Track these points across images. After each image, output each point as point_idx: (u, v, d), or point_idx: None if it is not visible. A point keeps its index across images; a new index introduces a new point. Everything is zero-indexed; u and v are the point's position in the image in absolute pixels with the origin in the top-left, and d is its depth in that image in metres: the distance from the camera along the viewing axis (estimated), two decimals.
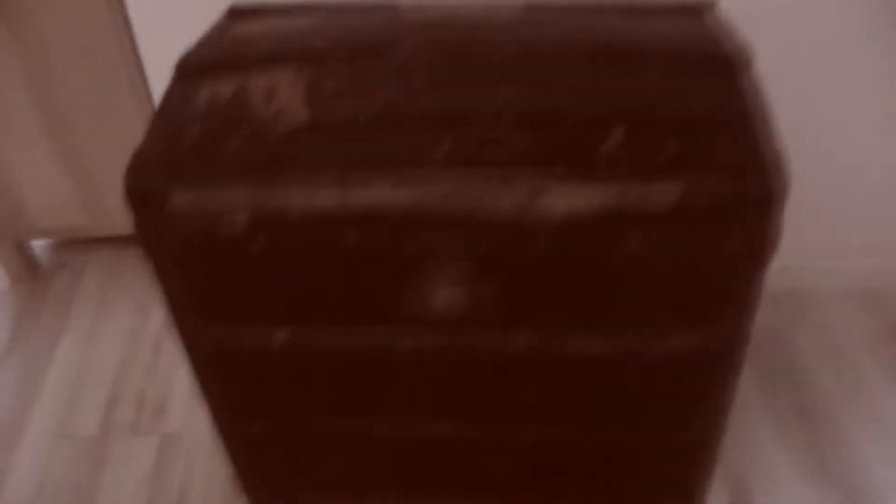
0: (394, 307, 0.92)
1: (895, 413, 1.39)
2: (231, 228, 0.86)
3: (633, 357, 0.96)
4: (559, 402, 1.02)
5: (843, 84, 1.40)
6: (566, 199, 0.82)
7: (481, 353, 0.97)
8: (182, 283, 0.93)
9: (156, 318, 1.65)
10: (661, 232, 0.83)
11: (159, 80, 1.42)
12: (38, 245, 1.86)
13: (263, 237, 0.87)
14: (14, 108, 1.55)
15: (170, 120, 0.91)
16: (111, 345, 1.60)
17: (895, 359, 1.49)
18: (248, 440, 1.12)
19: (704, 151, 0.83)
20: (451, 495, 1.19)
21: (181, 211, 0.86)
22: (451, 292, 0.90)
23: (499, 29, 0.94)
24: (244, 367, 1.02)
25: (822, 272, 1.63)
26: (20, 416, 1.47)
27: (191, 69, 0.95)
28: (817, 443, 1.35)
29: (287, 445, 1.13)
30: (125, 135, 1.55)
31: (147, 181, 0.86)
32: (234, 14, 1.09)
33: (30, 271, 1.79)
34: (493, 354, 0.97)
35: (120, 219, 1.65)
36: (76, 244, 1.87)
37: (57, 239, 1.86)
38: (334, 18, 1.02)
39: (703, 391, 0.99)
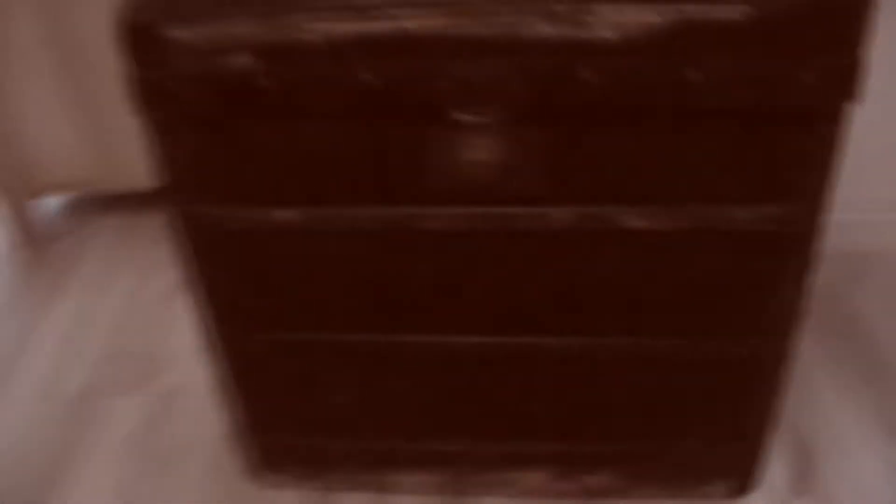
0: (422, 169, 0.82)
1: None
2: (236, 66, 0.76)
3: (694, 235, 0.83)
4: (607, 296, 0.89)
5: None
6: (615, 17, 0.72)
7: (520, 234, 0.85)
8: (181, 147, 0.83)
9: (156, 282, 1.54)
10: (730, 56, 0.72)
11: None
12: (47, 204, 1.79)
13: (272, 77, 0.77)
14: (25, 52, 1.48)
15: None
16: (109, 305, 1.51)
17: None
18: (252, 360, 0.99)
19: None
20: (482, 434, 1.05)
21: (181, 47, 0.76)
22: (487, 146, 0.79)
23: None
24: (249, 258, 0.90)
25: (884, 227, 1.50)
26: (7, 372, 1.35)
27: None
28: (886, 404, 1.20)
29: (296, 367, 1.00)
30: None
31: (145, 16, 0.77)
32: None
33: (35, 233, 1.70)
34: (535, 235, 0.85)
35: (132, 173, 1.55)
36: (83, 207, 1.79)
37: (68, 195, 1.78)
38: None
39: (769, 284, 0.87)
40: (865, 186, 1.45)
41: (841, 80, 0.73)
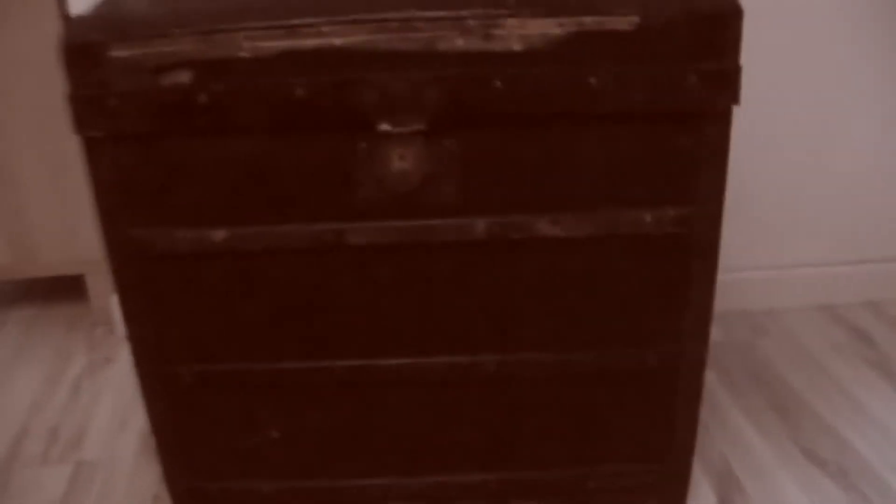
0: (347, 183, 0.86)
1: (872, 403, 1.32)
2: (176, 82, 0.81)
3: (606, 242, 0.90)
4: (527, 308, 0.93)
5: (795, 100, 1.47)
6: (520, 31, 0.81)
7: (441, 247, 0.89)
8: (114, 166, 0.86)
9: (75, 363, 1.50)
10: (623, 62, 0.81)
11: None
12: None
13: (209, 92, 0.82)
14: None
15: None
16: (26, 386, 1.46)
17: (864, 359, 1.45)
18: (180, 396, 0.98)
19: None
20: (412, 469, 1.05)
21: (122, 65, 0.81)
22: (407, 157, 0.85)
23: None
24: (176, 283, 0.92)
25: (778, 287, 1.60)
26: None
27: None
28: (801, 433, 1.26)
29: (225, 401, 0.99)
30: (59, 166, 1.50)
31: (86, 35, 0.82)
32: None
33: None
34: (455, 247, 0.89)
35: (48, 258, 1.55)
36: None
37: None
38: None
39: (679, 288, 0.93)
40: (760, 248, 1.57)
41: (721, 82, 0.83)
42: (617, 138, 0.86)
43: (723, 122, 0.85)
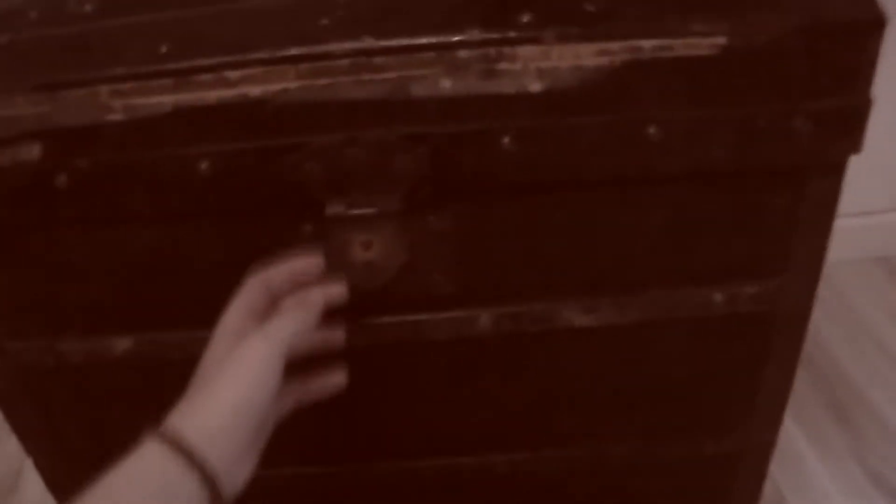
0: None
1: None
2: (24, 159, 0.52)
3: (656, 327, 0.62)
4: (551, 404, 0.67)
5: None
6: (540, 63, 0.50)
7: (430, 344, 0.62)
8: None
9: None
10: (701, 104, 0.52)
11: None
12: None
13: (71, 172, 0.53)
14: None
15: None
16: None
17: None
18: None
19: None
20: None
21: None
22: (376, 240, 0.56)
23: None
24: (72, 400, 0.66)
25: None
26: None
27: None
28: (861, 445, 1.04)
29: None
30: None
31: None
32: None
33: None
34: (451, 344, 0.63)
35: None
36: None
37: None
38: None
39: (750, 372, 0.67)
40: None
41: (842, 126, 0.54)
42: (679, 201, 0.57)
43: (835, 176, 0.57)
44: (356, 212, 0.54)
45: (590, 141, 0.52)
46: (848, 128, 0.54)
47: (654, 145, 0.52)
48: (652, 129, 0.52)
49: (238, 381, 0.49)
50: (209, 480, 0.46)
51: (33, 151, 0.52)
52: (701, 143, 0.53)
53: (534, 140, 0.52)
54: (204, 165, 0.52)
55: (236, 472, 0.49)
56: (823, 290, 1.26)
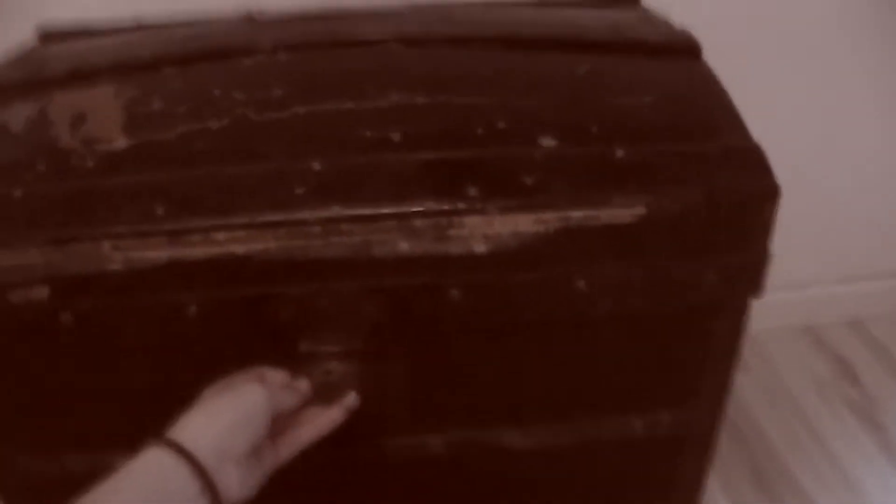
0: None
1: (860, 473, 1.17)
2: (31, 300, 0.58)
3: (584, 448, 0.69)
4: None
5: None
6: (485, 230, 0.57)
7: (388, 466, 0.69)
8: None
9: None
10: (622, 262, 0.59)
11: None
12: None
13: (73, 313, 0.58)
14: None
15: None
16: None
17: (846, 401, 1.29)
18: None
19: (665, 155, 0.60)
20: None
21: None
22: (338, 370, 0.63)
23: (383, 20, 0.70)
24: None
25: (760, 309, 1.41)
26: None
27: None
28: None
29: None
30: None
31: None
32: (44, 37, 0.81)
33: None
34: (404, 466, 0.69)
35: None
36: None
37: None
38: (170, 30, 0.76)
39: (664, 487, 0.74)
40: None
41: (745, 274, 0.61)
42: (603, 342, 0.64)
43: (738, 316, 0.64)
44: (323, 349, 0.60)
45: (527, 293, 0.59)
46: (750, 277, 0.61)
47: (582, 296, 0.59)
48: (580, 283, 0.59)
49: (236, 406, 0.54)
50: (209, 485, 0.50)
51: (43, 293, 0.57)
52: (622, 294, 0.60)
53: (478, 292, 0.59)
54: (192, 309, 0.58)
55: (233, 488, 0.53)
56: (750, 357, 1.31)
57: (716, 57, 0.68)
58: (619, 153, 0.58)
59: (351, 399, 0.62)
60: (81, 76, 0.66)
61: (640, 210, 0.57)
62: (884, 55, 1.17)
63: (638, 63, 0.65)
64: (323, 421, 0.61)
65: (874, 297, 1.42)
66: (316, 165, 0.58)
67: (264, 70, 0.65)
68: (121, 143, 0.61)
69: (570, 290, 0.59)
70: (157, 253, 0.56)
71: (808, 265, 1.38)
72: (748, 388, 1.30)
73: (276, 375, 0.59)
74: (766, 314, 1.38)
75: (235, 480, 0.53)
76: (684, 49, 0.68)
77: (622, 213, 0.57)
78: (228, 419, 0.53)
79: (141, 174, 0.59)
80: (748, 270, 0.61)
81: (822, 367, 1.35)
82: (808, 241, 1.33)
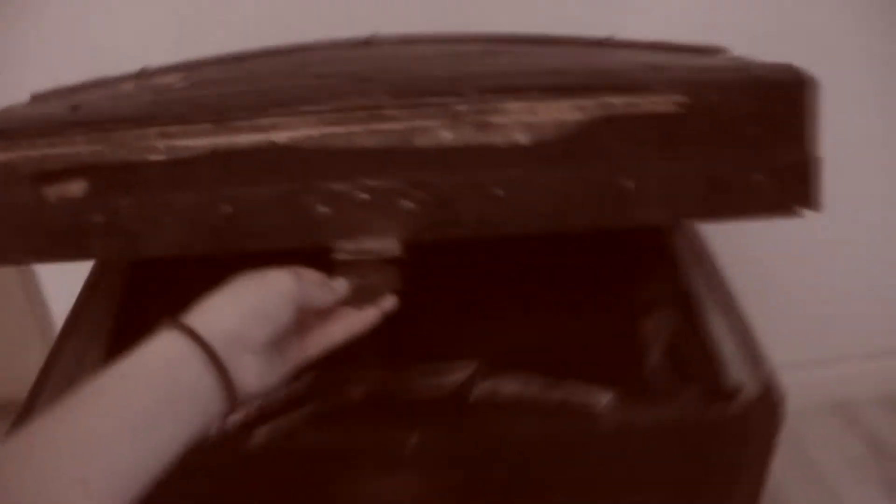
0: None
1: None
2: (62, 196, 0.56)
3: None
4: None
5: None
6: (527, 118, 0.56)
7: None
8: None
9: None
10: (663, 158, 0.57)
11: None
12: None
13: (106, 211, 0.57)
14: None
15: None
16: None
17: (881, 480, 1.19)
18: None
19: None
20: None
21: None
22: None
23: None
24: None
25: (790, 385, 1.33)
26: None
27: None
28: None
29: None
30: None
31: None
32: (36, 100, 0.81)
33: None
34: None
35: None
36: None
37: None
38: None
39: None
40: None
41: (796, 175, 0.59)
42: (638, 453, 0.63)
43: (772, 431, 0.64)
44: (362, 250, 0.58)
45: (573, 190, 0.57)
46: (800, 178, 0.59)
47: (630, 196, 0.58)
48: (628, 182, 0.58)
49: (261, 291, 0.51)
50: (222, 374, 0.47)
51: (79, 188, 0.56)
52: (672, 195, 0.58)
53: (523, 189, 0.57)
54: (226, 209, 0.57)
55: (250, 380, 0.49)
56: (785, 442, 1.27)
57: None
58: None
59: (389, 302, 0.59)
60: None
61: (679, 98, 0.57)
62: None
63: None
64: (357, 320, 0.58)
65: None
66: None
67: None
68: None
69: (618, 189, 0.57)
70: (201, 141, 0.56)
71: (838, 339, 1.34)
72: (780, 468, 1.21)
73: (311, 272, 0.56)
74: (796, 391, 1.31)
75: (253, 372, 0.50)
76: None
77: (662, 100, 0.57)
78: (250, 305, 0.51)
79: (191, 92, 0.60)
80: (797, 170, 0.59)
81: (856, 446, 1.27)
82: (837, 315, 1.30)
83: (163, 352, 0.47)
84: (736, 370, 0.69)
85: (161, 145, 0.56)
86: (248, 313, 0.50)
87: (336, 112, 0.56)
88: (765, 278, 1.19)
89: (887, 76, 1.13)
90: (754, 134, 0.58)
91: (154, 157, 0.56)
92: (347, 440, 0.62)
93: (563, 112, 0.56)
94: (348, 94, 0.56)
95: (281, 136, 0.56)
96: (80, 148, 0.56)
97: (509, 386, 0.71)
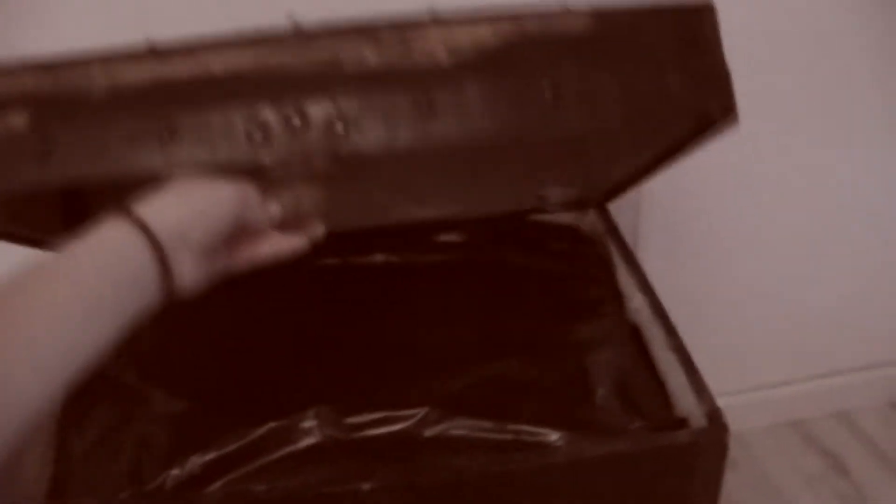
0: None
1: None
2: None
3: None
4: None
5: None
6: (447, 40, 0.59)
7: None
8: None
9: None
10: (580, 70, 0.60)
11: None
12: None
13: (44, 137, 0.58)
14: None
15: None
16: None
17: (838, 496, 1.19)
18: None
19: None
20: None
21: None
22: None
23: None
24: None
25: (745, 410, 1.29)
26: None
27: None
28: None
29: None
30: None
31: None
32: None
33: None
34: None
35: None
36: None
37: None
38: None
39: None
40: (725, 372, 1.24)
41: (709, 82, 0.63)
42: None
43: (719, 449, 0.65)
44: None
45: (497, 99, 0.60)
46: (714, 85, 0.63)
47: (550, 104, 0.61)
48: (547, 92, 0.61)
49: (207, 195, 0.52)
50: (164, 265, 0.48)
51: (20, 118, 0.58)
52: (591, 102, 0.61)
53: (448, 103, 0.60)
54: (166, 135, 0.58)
55: (185, 276, 0.50)
56: (738, 456, 1.27)
57: None
58: None
59: (318, 230, 0.60)
60: None
61: (589, 19, 0.61)
62: None
63: None
64: (285, 244, 0.59)
65: (859, 389, 1.37)
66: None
67: None
68: None
69: (537, 98, 0.60)
70: (142, 71, 0.59)
71: (791, 360, 1.33)
72: (737, 487, 1.19)
73: (254, 191, 0.58)
74: (752, 411, 1.26)
75: (189, 268, 0.51)
76: None
77: (573, 20, 0.61)
78: (197, 205, 0.52)
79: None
80: (710, 78, 0.63)
81: (812, 463, 1.28)
82: (790, 337, 1.30)
83: (113, 238, 0.48)
84: (683, 401, 0.71)
85: (103, 78, 0.58)
86: (195, 214, 0.52)
87: (268, 42, 0.60)
88: (715, 307, 1.22)
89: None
90: (665, 48, 0.62)
91: (97, 87, 0.58)
92: (302, 490, 0.62)
93: (481, 35, 0.60)
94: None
95: (218, 66, 0.59)
96: (25, 80, 0.58)
97: (460, 429, 0.72)
